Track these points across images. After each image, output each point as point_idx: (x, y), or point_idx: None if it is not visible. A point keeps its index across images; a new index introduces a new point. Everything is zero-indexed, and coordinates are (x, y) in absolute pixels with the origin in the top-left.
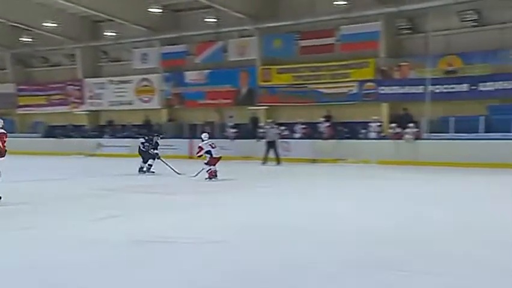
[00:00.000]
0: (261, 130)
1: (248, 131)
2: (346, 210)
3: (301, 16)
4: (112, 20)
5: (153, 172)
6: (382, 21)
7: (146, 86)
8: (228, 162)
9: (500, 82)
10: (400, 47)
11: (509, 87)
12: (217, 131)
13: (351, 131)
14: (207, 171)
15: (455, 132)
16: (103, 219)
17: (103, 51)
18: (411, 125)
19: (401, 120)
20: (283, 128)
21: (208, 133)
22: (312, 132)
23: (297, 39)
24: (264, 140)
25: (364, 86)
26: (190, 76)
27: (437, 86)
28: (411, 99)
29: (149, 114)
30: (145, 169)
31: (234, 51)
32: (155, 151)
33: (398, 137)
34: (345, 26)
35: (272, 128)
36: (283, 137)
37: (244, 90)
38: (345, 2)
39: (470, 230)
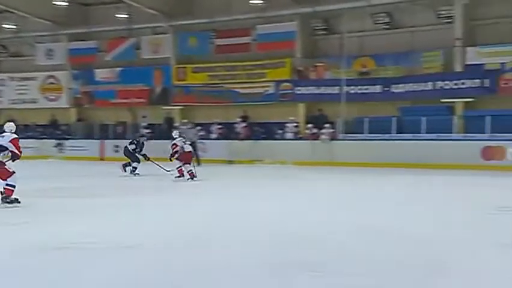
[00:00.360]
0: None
1: (163, 131)
2: (261, 210)
3: (216, 14)
4: (11, 12)
5: (138, 174)
6: (298, 21)
7: (52, 83)
8: (142, 164)
9: (411, 84)
10: (316, 47)
11: (419, 89)
12: (129, 132)
13: (268, 131)
14: (180, 170)
15: (369, 133)
16: (11, 225)
17: (2, 45)
18: (327, 125)
19: (317, 120)
20: (199, 128)
21: (178, 130)
22: (228, 132)
23: (213, 38)
24: None
25: (280, 86)
26: (101, 74)
27: (352, 87)
28: (327, 99)
29: (56, 113)
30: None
31: (147, 48)
32: (142, 153)
33: (314, 137)
34: (261, 26)
35: (191, 128)
36: (199, 138)
37: (158, 89)
38: (261, 2)
39: (383, 230)
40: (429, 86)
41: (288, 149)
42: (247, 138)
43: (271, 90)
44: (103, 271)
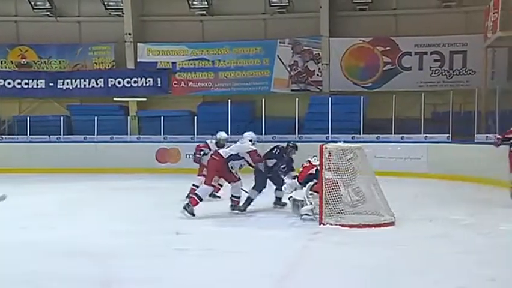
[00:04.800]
0: None
1: None
2: None
3: None
4: None
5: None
6: None
7: None
8: None
9: (80, 80)
10: None
11: (89, 86)
12: None
13: None
14: None
15: (33, 135)
16: None
17: None
18: None
19: None
20: None
21: None
22: None
23: None
24: None
25: None
26: None
27: (9, 81)
28: None
29: None
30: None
31: None
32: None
33: None
34: None
35: None
36: None
37: None
38: None
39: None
40: (100, 83)
41: None
42: None
43: None
44: None
